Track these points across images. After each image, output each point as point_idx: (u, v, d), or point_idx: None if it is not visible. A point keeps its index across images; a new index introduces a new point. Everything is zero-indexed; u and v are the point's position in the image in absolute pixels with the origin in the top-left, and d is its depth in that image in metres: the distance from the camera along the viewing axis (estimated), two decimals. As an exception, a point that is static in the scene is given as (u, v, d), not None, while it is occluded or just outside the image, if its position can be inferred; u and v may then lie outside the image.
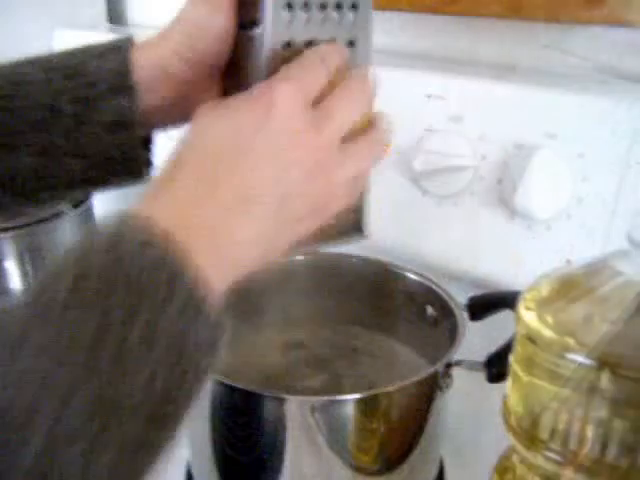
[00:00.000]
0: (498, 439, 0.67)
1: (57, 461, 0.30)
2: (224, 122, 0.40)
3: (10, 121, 0.47)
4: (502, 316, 0.64)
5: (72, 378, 0.30)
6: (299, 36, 0.46)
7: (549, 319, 0.40)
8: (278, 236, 0.41)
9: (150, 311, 0.32)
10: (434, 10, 0.72)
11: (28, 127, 0.47)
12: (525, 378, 0.42)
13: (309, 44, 0.47)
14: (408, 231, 0.75)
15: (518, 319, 0.42)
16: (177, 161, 0.39)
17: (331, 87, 0.43)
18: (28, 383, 0.29)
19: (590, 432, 0.38)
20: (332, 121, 0.41)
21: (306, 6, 0.46)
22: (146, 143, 0.51)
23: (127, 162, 0.49)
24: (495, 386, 0.58)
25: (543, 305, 0.42)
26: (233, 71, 0.49)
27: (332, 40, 0.48)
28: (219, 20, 0.46)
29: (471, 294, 0.67)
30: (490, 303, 0.65)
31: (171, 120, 0.51)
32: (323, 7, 0.47)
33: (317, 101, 0.42)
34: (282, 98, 0.40)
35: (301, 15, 0.46)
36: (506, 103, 0.68)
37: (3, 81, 0.47)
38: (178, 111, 0.50)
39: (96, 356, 0.31)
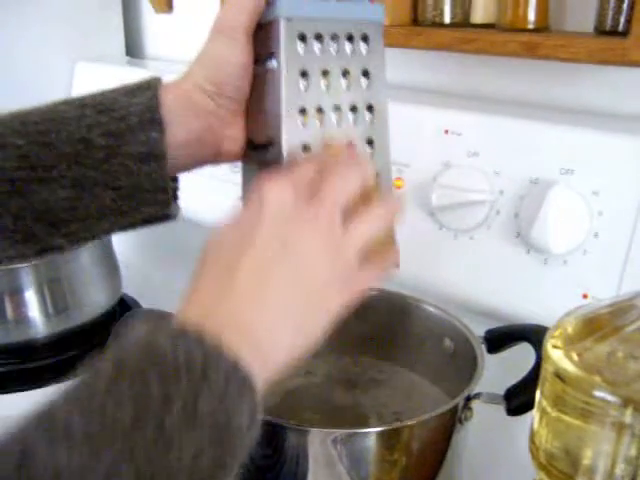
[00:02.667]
0: (516, 471, 0.68)
1: None
2: (227, 230, 0.43)
3: (45, 155, 0.48)
4: (518, 349, 0.65)
5: (112, 462, 0.31)
6: (313, 65, 0.48)
7: (576, 357, 0.41)
8: (306, 312, 0.41)
9: (185, 397, 0.33)
10: (450, 48, 0.73)
11: (62, 160, 0.49)
12: (554, 414, 0.42)
13: (325, 74, 0.49)
14: (425, 264, 0.76)
15: (546, 357, 0.43)
16: (197, 274, 0.42)
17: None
18: (69, 474, 0.30)
19: (619, 469, 0.38)
20: (324, 200, 0.43)
21: (319, 37, 0.48)
22: (173, 178, 0.53)
23: (156, 193, 0.51)
24: (512, 418, 0.59)
25: (569, 343, 0.42)
26: (254, 103, 0.51)
27: (346, 72, 0.50)
28: (236, 53, 0.49)
29: (487, 327, 0.67)
30: (507, 336, 0.66)
31: (199, 154, 0.53)
32: (335, 38, 0.49)
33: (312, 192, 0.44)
34: (270, 189, 0.43)
35: (314, 45, 0.48)
36: (522, 139, 0.70)
37: (40, 118, 0.49)
38: (205, 145, 0.52)
39: (134, 440, 0.32)
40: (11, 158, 0.48)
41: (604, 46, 0.63)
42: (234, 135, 0.52)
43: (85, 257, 0.93)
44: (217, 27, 0.50)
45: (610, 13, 0.66)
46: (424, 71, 0.84)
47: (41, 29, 1.09)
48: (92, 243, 0.93)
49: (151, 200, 0.51)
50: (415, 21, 0.79)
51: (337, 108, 0.50)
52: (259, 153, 0.52)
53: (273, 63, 0.48)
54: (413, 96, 0.80)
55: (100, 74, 1.11)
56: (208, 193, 0.94)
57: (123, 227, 0.53)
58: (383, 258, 0.48)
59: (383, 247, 0.48)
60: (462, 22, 0.77)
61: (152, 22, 1.22)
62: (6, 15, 1.05)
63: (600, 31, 0.67)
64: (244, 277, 0.40)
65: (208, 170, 0.95)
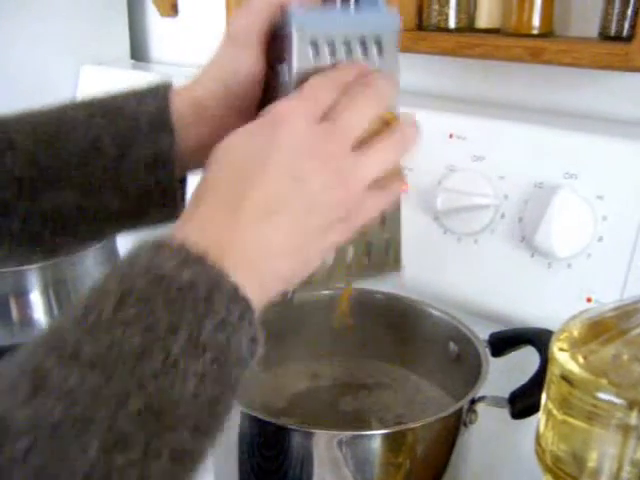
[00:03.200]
0: (520, 474, 0.68)
1: (113, 468, 0.31)
2: (238, 145, 0.42)
3: (54, 159, 0.49)
4: (520, 352, 0.66)
5: (121, 389, 0.32)
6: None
7: (581, 360, 0.41)
8: (309, 245, 0.41)
9: (191, 325, 0.34)
10: (455, 53, 0.74)
11: (70, 164, 0.49)
12: (560, 417, 0.42)
13: None
14: (429, 268, 0.76)
15: (552, 359, 0.43)
16: (202, 187, 0.41)
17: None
18: (81, 396, 0.31)
19: (625, 472, 0.39)
20: (340, 127, 0.42)
21: (331, 44, 0.48)
22: (180, 180, 0.53)
23: (164, 197, 0.51)
24: (515, 422, 0.59)
25: (575, 346, 0.43)
26: (265, 109, 0.51)
27: None
28: (249, 61, 0.49)
29: (491, 330, 0.68)
30: (511, 340, 0.66)
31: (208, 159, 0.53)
32: (347, 44, 0.49)
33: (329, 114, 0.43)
34: (286, 114, 0.41)
35: (326, 52, 0.48)
36: (527, 143, 0.70)
37: (49, 121, 0.50)
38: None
39: (142, 369, 0.32)
40: (20, 161, 0.48)
41: (608, 51, 0.64)
42: None
43: (90, 259, 0.93)
44: (230, 34, 0.49)
45: (614, 19, 0.66)
46: (429, 76, 0.85)
47: (47, 32, 1.10)
48: (97, 245, 0.94)
49: (159, 204, 0.51)
50: (420, 26, 0.80)
51: None
52: None
53: (284, 67, 0.48)
54: (418, 100, 0.81)
55: (105, 77, 1.12)
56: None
57: (129, 228, 0.53)
58: (389, 188, 0.46)
59: (389, 176, 0.46)
60: (467, 27, 0.78)
61: (157, 25, 1.23)
62: (12, 19, 1.05)
63: (604, 36, 0.68)
64: (251, 208, 0.39)
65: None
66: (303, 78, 0.47)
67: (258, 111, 0.51)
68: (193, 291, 0.34)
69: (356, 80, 0.45)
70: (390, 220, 0.54)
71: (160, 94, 0.50)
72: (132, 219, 0.52)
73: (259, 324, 0.37)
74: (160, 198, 0.51)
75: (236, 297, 0.36)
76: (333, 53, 0.48)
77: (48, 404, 0.30)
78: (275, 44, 0.49)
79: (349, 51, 0.49)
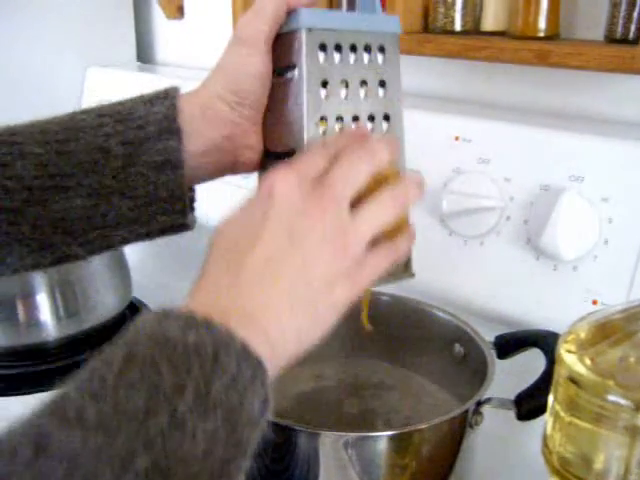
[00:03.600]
0: (525, 476, 0.68)
1: None
2: (236, 220, 0.43)
3: (63, 164, 0.49)
4: (524, 354, 0.66)
5: (126, 449, 0.31)
6: (333, 75, 0.48)
7: (589, 362, 0.42)
8: (316, 301, 0.41)
9: (198, 384, 0.33)
10: (461, 56, 0.74)
11: (80, 169, 0.49)
12: (567, 419, 0.43)
13: (344, 83, 0.49)
14: (435, 270, 0.76)
15: (559, 361, 0.43)
16: (205, 264, 0.42)
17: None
18: (85, 457, 0.30)
19: (633, 474, 0.39)
20: (332, 187, 0.43)
21: (338, 48, 0.49)
22: (190, 189, 0.53)
23: (173, 202, 0.51)
24: (519, 424, 0.59)
25: (582, 348, 0.43)
26: (271, 114, 0.51)
27: (364, 82, 0.50)
28: (256, 63, 0.49)
29: (497, 332, 0.68)
30: (517, 342, 0.66)
31: (218, 164, 0.53)
32: (353, 49, 0.50)
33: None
34: (278, 182, 0.42)
35: (334, 55, 0.48)
36: (532, 146, 0.70)
37: (59, 127, 0.50)
38: (224, 154, 0.52)
39: (148, 428, 0.32)
40: (30, 167, 0.48)
41: (614, 54, 0.64)
42: (252, 144, 0.52)
43: (96, 261, 0.93)
44: (238, 36, 0.50)
45: (621, 22, 0.66)
46: (435, 78, 0.85)
47: (53, 34, 1.10)
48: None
49: (168, 209, 0.51)
50: (426, 29, 0.80)
51: (356, 118, 0.51)
52: (277, 162, 0.52)
53: (294, 73, 0.48)
54: (424, 103, 0.81)
55: (111, 79, 1.12)
56: (221, 199, 0.95)
57: (140, 237, 0.53)
58: (394, 245, 0.47)
59: (395, 231, 0.47)
60: (472, 30, 0.78)
61: (163, 28, 1.23)
62: (18, 21, 1.06)
63: (610, 39, 0.68)
64: (252, 270, 0.40)
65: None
66: (313, 82, 0.47)
67: (265, 117, 0.52)
68: (199, 351, 0.34)
69: (351, 144, 0.46)
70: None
71: (168, 99, 0.50)
72: (141, 225, 0.52)
73: (271, 386, 0.37)
74: (169, 203, 0.51)
75: (246, 355, 0.35)
76: (341, 58, 0.49)
77: (50, 466, 0.30)
78: (281, 51, 0.49)
79: (355, 52, 0.50)
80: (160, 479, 0.31)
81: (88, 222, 0.50)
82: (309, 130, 0.48)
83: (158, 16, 1.22)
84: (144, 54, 1.25)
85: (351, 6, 0.53)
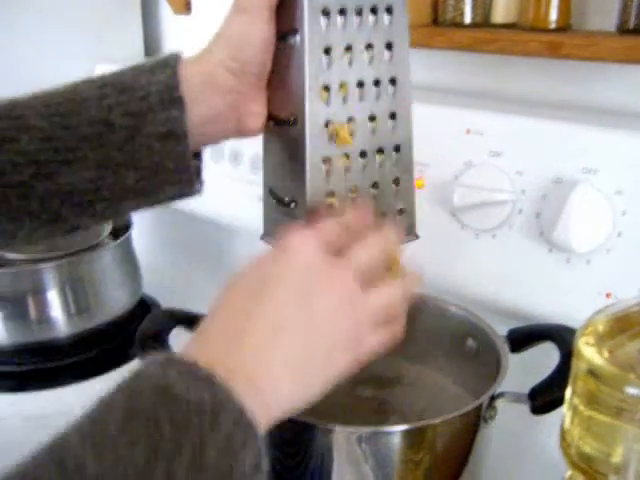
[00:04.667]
0: (538, 469, 0.68)
1: None
2: (250, 274, 0.44)
3: (67, 137, 0.49)
4: (537, 348, 0.65)
5: None
6: (336, 41, 0.48)
7: (607, 354, 0.41)
8: (312, 367, 0.42)
9: (196, 443, 0.34)
10: (471, 48, 0.73)
11: (84, 142, 0.49)
12: (586, 412, 0.42)
13: (348, 49, 0.49)
14: (447, 264, 0.76)
15: (578, 354, 0.43)
16: (211, 313, 0.43)
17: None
18: None
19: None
20: (349, 260, 0.45)
21: (342, 12, 0.48)
22: (196, 154, 0.53)
23: (179, 172, 0.51)
24: (532, 417, 0.59)
25: (601, 341, 0.43)
26: (276, 79, 0.51)
27: (369, 45, 0.50)
28: (259, 30, 0.48)
29: (509, 326, 0.67)
30: (530, 336, 0.66)
31: (221, 131, 0.53)
32: (359, 12, 0.49)
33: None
34: (296, 242, 0.44)
35: (338, 20, 0.48)
36: (544, 138, 0.70)
37: (61, 99, 0.50)
38: (227, 121, 0.52)
39: None
40: (35, 141, 0.48)
41: (627, 45, 0.63)
42: (257, 110, 0.52)
43: (106, 258, 0.94)
44: (239, 4, 0.49)
45: (633, 12, 0.66)
46: (445, 71, 0.85)
47: (61, 31, 1.10)
48: (113, 244, 0.94)
49: (174, 179, 0.51)
50: (436, 21, 0.80)
51: (360, 83, 0.50)
52: (282, 129, 0.52)
53: (296, 39, 0.48)
54: (434, 96, 0.80)
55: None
56: (228, 194, 0.95)
57: (147, 205, 0.53)
58: (394, 325, 0.50)
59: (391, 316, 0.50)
60: (483, 22, 0.78)
61: (170, 23, 1.23)
62: (27, 18, 1.06)
63: (623, 30, 0.67)
64: (258, 334, 0.41)
65: (228, 171, 0.95)
66: (314, 49, 0.47)
67: (269, 82, 0.51)
68: (199, 409, 0.35)
69: (364, 227, 0.49)
70: (403, 189, 0.55)
71: (169, 67, 0.50)
72: (148, 195, 0.52)
73: (263, 449, 0.37)
74: (175, 173, 0.51)
75: (240, 421, 0.36)
76: (344, 17, 0.48)
77: None
78: (284, 15, 0.49)
79: (360, 15, 0.49)
80: None
81: (96, 194, 0.50)
82: (310, 98, 0.48)
83: (165, 11, 1.21)
84: (151, 50, 1.25)
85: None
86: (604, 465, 0.42)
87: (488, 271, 0.74)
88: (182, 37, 1.22)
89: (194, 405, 0.34)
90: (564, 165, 0.68)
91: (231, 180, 0.94)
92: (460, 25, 0.77)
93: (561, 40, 0.67)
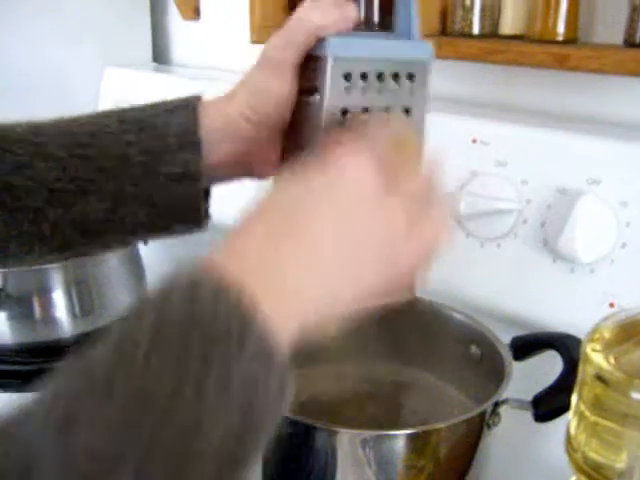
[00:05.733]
0: (541, 476, 0.68)
1: None
2: (298, 185, 0.42)
3: (84, 168, 0.50)
4: (540, 357, 0.66)
5: (154, 425, 0.31)
6: (356, 103, 0.48)
7: (613, 361, 0.42)
8: (342, 291, 0.41)
9: (223, 362, 0.33)
10: (479, 59, 0.74)
11: (100, 174, 0.50)
12: (592, 418, 0.43)
13: (365, 110, 0.49)
14: (452, 272, 0.76)
15: (585, 360, 0.44)
16: (252, 217, 0.41)
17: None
18: (115, 430, 0.30)
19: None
20: (404, 193, 0.42)
21: (364, 76, 0.48)
22: (205, 194, 0.53)
23: (190, 212, 0.52)
24: (535, 424, 0.59)
25: (608, 347, 0.43)
26: (293, 133, 0.51)
27: (388, 108, 0.49)
28: (281, 86, 0.49)
29: (513, 335, 0.68)
30: (534, 344, 0.66)
31: (234, 174, 0.54)
32: (380, 77, 0.49)
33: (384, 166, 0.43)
34: (351, 167, 0.41)
35: (359, 84, 0.48)
36: (550, 149, 0.70)
37: (81, 131, 0.51)
38: (241, 166, 0.53)
39: (175, 405, 0.32)
40: (52, 169, 0.49)
41: (634, 58, 0.64)
42: (270, 159, 0.52)
43: (112, 260, 0.94)
44: (266, 58, 0.49)
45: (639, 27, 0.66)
46: (452, 81, 0.85)
47: (70, 34, 1.11)
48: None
49: (184, 218, 0.52)
50: (444, 32, 0.80)
51: None
52: None
53: (316, 98, 0.48)
54: (441, 105, 0.81)
55: (128, 80, 1.13)
56: (235, 198, 0.95)
57: (154, 238, 0.54)
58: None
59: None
60: (491, 33, 0.78)
61: (179, 29, 1.24)
62: (36, 22, 1.06)
63: (630, 43, 0.68)
64: (295, 245, 0.39)
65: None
66: (332, 110, 0.47)
67: (286, 135, 0.52)
68: (228, 324, 0.34)
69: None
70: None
71: (189, 108, 0.51)
72: (157, 230, 0.53)
73: (287, 377, 0.36)
74: (185, 213, 0.52)
75: (267, 332, 0.35)
76: (365, 85, 0.48)
77: (80, 437, 0.30)
78: (307, 72, 0.49)
79: (382, 83, 0.49)
80: (184, 455, 0.31)
81: (107, 225, 0.51)
82: None
83: (174, 17, 1.22)
84: (160, 55, 1.26)
85: (387, 28, 0.51)
86: (610, 470, 0.42)
87: (493, 279, 0.75)
88: (191, 43, 1.23)
89: (223, 325, 0.34)
90: (569, 175, 0.69)
91: (239, 185, 0.95)
92: (468, 36, 0.78)
93: (568, 52, 0.67)
